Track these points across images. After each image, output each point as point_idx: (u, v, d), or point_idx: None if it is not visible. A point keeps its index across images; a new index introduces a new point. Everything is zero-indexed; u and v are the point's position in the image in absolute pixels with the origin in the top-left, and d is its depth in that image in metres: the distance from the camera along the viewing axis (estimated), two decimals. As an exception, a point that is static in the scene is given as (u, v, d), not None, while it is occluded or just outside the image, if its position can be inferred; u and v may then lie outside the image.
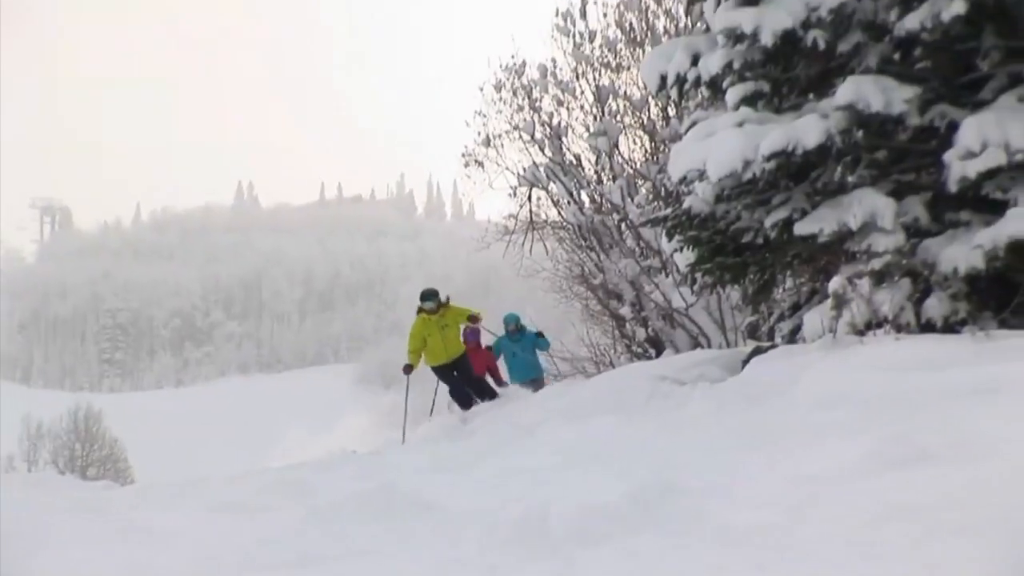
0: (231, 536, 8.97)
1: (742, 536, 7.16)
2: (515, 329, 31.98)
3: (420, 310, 27.03)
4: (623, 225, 33.86)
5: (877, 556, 6.24)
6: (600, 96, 34.70)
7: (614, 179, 33.96)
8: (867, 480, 7.80)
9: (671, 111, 31.56)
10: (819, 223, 18.62)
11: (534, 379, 32.05)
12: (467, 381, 27.42)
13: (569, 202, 34.97)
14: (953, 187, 17.96)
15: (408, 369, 27.47)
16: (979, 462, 7.78)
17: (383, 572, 7.28)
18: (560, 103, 35.14)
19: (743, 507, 8.09)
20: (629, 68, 33.57)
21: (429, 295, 27.07)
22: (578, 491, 9.10)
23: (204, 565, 7.89)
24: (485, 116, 36.48)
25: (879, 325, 17.91)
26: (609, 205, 33.88)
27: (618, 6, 34.74)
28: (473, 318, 28.27)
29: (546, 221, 36.04)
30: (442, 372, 27.38)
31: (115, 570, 7.71)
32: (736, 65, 20.37)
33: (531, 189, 35.67)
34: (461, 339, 28.20)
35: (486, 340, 32.45)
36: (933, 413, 10.28)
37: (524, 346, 32.08)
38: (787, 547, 6.80)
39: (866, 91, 18.39)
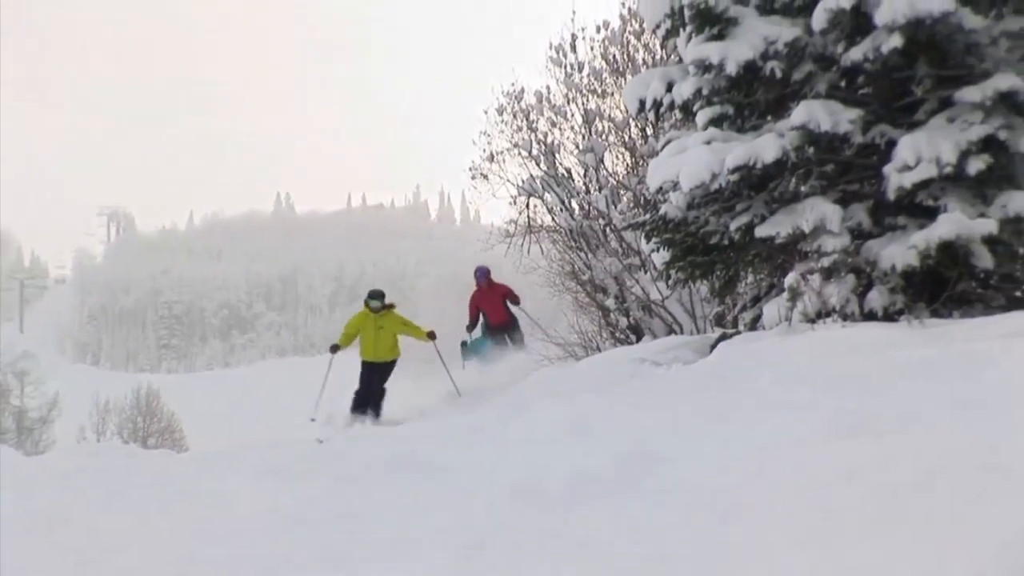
0: (277, 496, 9.05)
1: (710, 495, 7.18)
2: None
3: (366, 304, 26.37)
4: (608, 229, 33.99)
5: (825, 510, 6.26)
6: (588, 118, 34.81)
7: (600, 189, 34.15)
8: (819, 447, 7.86)
9: (649, 131, 31.65)
10: (776, 227, 18.78)
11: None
12: (377, 386, 26.06)
13: (561, 209, 35.20)
14: (891, 196, 18.25)
15: (334, 349, 26.84)
16: (916, 432, 7.83)
17: (407, 527, 7.27)
18: (553, 124, 35.36)
19: (712, 471, 8.12)
20: (613, 94, 33.86)
21: (376, 295, 26.52)
22: (570, 458, 9.10)
23: (257, 522, 7.91)
24: (489, 135, 36.78)
25: (828, 314, 18.01)
26: (596, 212, 34.11)
27: (603, 41, 35.09)
28: (430, 335, 26.93)
29: (541, 225, 36.21)
30: (365, 368, 26.32)
31: (180, 529, 7.69)
32: (705, 91, 20.43)
33: (529, 198, 35.92)
34: (394, 345, 26.79)
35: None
36: (877, 390, 10.33)
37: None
38: (748, 504, 6.82)
39: (816, 113, 18.52)
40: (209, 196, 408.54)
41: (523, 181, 35.99)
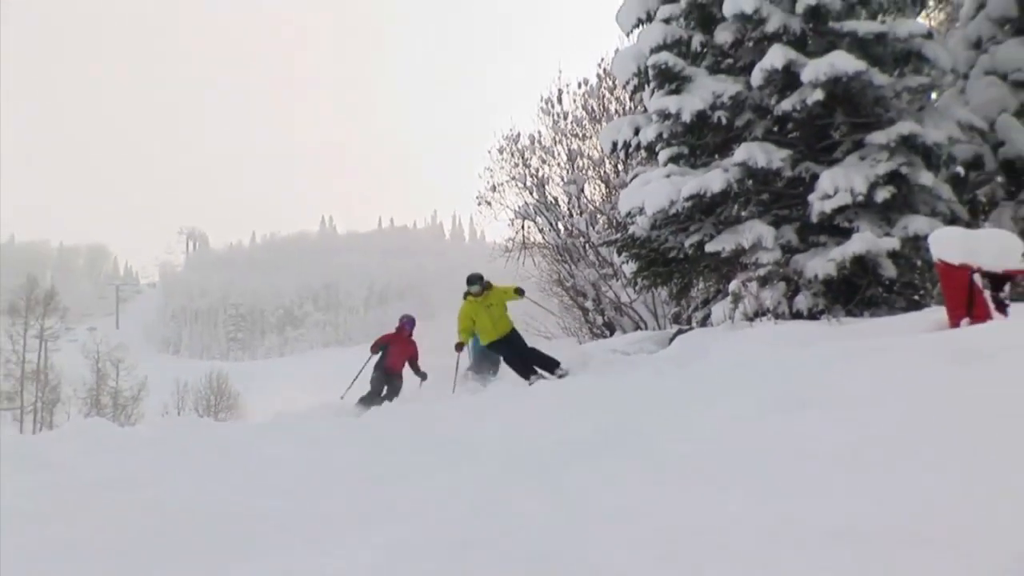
0: (322, 462, 9.03)
1: (676, 459, 7.20)
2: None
3: (467, 294, 20.88)
4: (587, 245, 34.39)
5: (765, 469, 6.32)
6: (571, 156, 35.32)
7: (581, 213, 34.65)
8: (761, 420, 7.93)
9: (620, 167, 31.90)
10: (722, 244, 18.97)
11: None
12: (519, 353, 20.49)
13: (550, 229, 35.78)
14: (815, 219, 18.49)
15: (459, 347, 21.46)
16: (838, 408, 7.91)
17: (433, 487, 7.26)
18: (543, 161, 36.07)
19: (676, 440, 8.12)
20: (591, 137, 34.45)
21: (475, 279, 20.77)
22: (560, 429, 9.28)
23: (304, 482, 7.90)
24: (491, 170, 37.52)
25: (763, 314, 18.14)
26: (577, 231, 34.63)
27: (583, 94, 35.85)
28: (519, 291, 21.25)
29: (534, 243, 36.72)
30: (497, 347, 20.76)
31: (241, 485, 7.69)
32: (665, 135, 20.57)
33: (523, 220, 36.51)
34: (508, 317, 21.19)
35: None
36: (805, 374, 10.41)
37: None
38: (705, 466, 6.85)
39: (754, 153, 18.74)
40: (267, 218, 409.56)
41: (519, 207, 36.57)
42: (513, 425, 10.55)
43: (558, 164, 35.54)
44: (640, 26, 21.75)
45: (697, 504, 5.91)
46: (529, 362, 19.95)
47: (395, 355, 24.28)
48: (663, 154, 21.09)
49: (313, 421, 14.47)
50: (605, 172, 33.98)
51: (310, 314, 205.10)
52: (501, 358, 21.20)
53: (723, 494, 5.95)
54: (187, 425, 15.18)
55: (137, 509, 6.74)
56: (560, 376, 18.79)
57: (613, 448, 8.03)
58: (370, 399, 22.75)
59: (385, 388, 23.65)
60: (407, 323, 24.98)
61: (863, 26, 19.21)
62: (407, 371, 24.71)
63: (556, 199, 35.35)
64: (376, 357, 24.63)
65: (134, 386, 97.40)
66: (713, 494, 6.08)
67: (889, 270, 18.05)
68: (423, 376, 23.93)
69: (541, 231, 35.97)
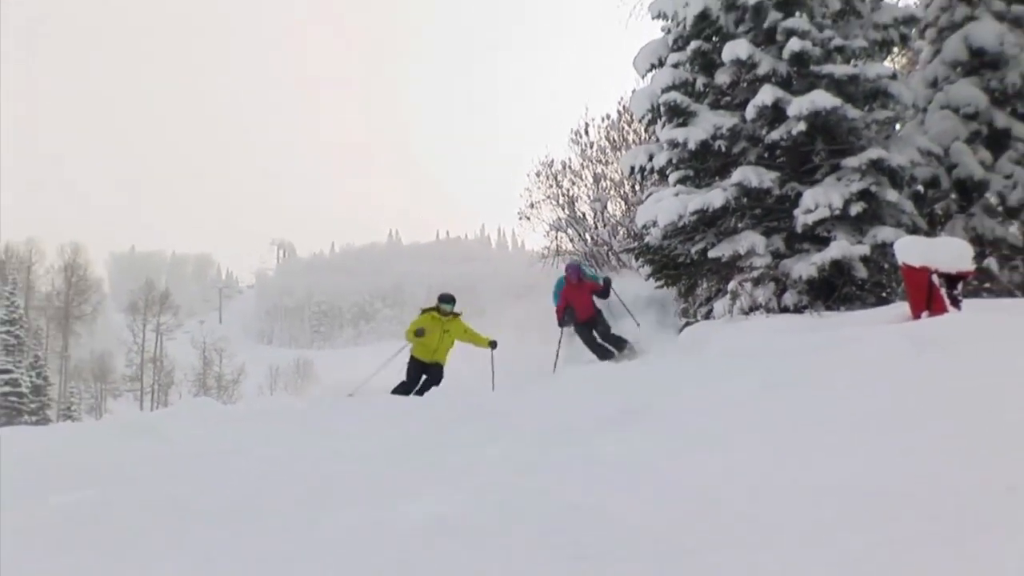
0: (386, 434, 9.02)
1: (690, 431, 7.27)
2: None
3: (435, 309, 18.46)
4: (610, 253, 34.34)
5: (765, 436, 6.41)
6: (596, 178, 35.33)
7: (604, 226, 34.64)
8: (758, 397, 8.05)
9: (637, 187, 31.89)
10: (722, 251, 19.08)
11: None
12: (429, 386, 17.59)
13: (579, 239, 35.77)
14: (799, 229, 18.63)
15: (420, 333, 17.89)
16: (823, 386, 8.07)
17: (479, 456, 7.23)
18: (573, 183, 36.15)
19: (689, 415, 8.20)
20: (612, 163, 34.50)
21: (449, 299, 18.74)
22: (590, 408, 9.27)
23: (371, 451, 7.90)
24: (530, 190, 37.60)
25: (757, 309, 18.23)
26: (602, 241, 34.61)
27: (606, 127, 35.89)
28: (492, 344, 18.81)
29: (565, 251, 36.74)
30: (417, 366, 18.11)
31: (319, 455, 7.73)
32: (674, 161, 20.64)
33: (557, 232, 36.55)
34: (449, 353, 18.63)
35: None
36: (793, 359, 10.53)
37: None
38: (715, 435, 6.94)
39: (749, 175, 18.87)
40: (344, 230, 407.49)
41: (553, 221, 36.66)
42: (549, 403, 10.60)
43: (585, 185, 35.69)
44: (653, 70, 21.84)
45: (702, 464, 6.01)
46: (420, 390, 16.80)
47: (581, 305, 20.18)
48: (672, 176, 21.24)
49: (383, 402, 14.53)
50: (625, 192, 34.02)
51: (380, 311, 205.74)
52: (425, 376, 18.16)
53: (726, 456, 6.07)
54: (277, 403, 15.46)
55: (235, 473, 6.87)
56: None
57: (637, 423, 8.10)
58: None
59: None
60: (571, 271, 20.38)
61: (839, 69, 19.31)
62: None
63: (584, 214, 35.43)
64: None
65: (234, 371, 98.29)
66: (717, 456, 6.18)
67: (861, 272, 18.21)
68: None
69: (571, 241, 36.03)
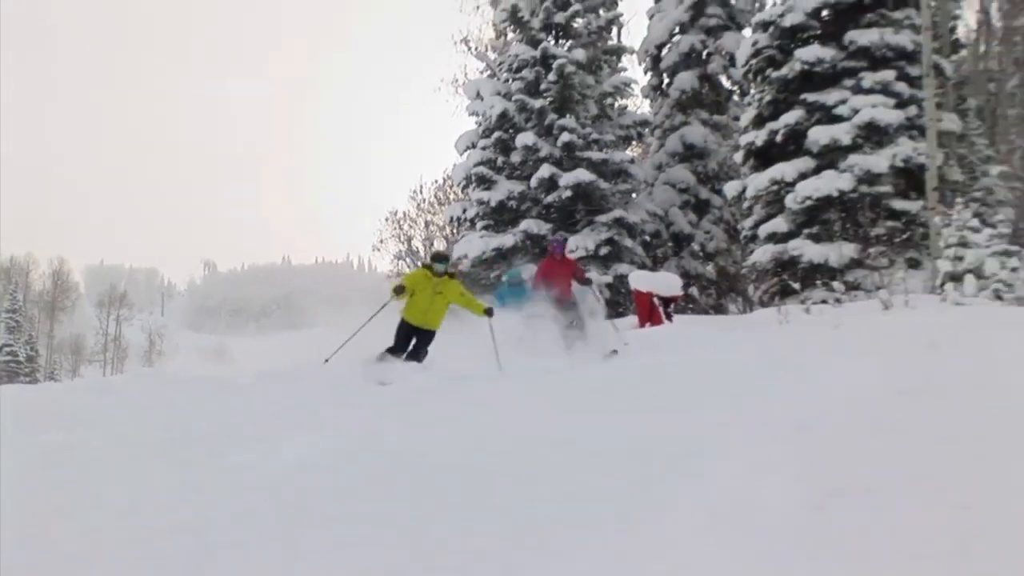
0: (283, 394, 8.20)
1: (475, 398, 7.33)
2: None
3: (428, 266, 11.57)
4: None
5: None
6: (427, 224, 34.64)
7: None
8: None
9: (455, 231, 31.51)
10: (511, 276, 19.40)
11: None
12: (418, 350, 11.30)
13: (413, 266, 34.65)
14: None
15: (399, 291, 11.14)
16: (578, 370, 8.37)
17: (345, 413, 6.88)
18: (411, 226, 34.87)
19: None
20: (439, 213, 33.07)
21: (443, 258, 11.86)
22: (420, 382, 8.70)
23: (267, 408, 7.39)
24: (381, 230, 36.86)
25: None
26: None
27: (435, 188, 34.92)
28: (488, 311, 11.34)
29: (404, 273, 35.36)
30: (406, 329, 11.37)
31: (225, 409, 7.43)
32: (481, 214, 21.07)
33: (398, 261, 35.40)
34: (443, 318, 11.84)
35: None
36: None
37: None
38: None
39: (531, 226, 19.38)
40: (253, 250, 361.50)
41: (396, 252, 35.25)
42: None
43: (419, 228, 34.91)
44: (468, 150, 22.04)
45: (482, 419, 6.19)
46: (418, 355, 11.03)
47: (559, 282, 13.76)
48: (479, 224, 21.38)
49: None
50: (446, 234, 33.46)
51: (274, 312, 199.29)
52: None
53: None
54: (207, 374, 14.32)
55: (163, 422, 6.61)
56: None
57: (450, 391, 7.95)
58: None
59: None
60: (557, 245, 13.87)
61: (595, 154, 20.07)
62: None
63: (417, 249, 34.73)
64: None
65: (172, 349, 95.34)
66: (494, 415, 6.42)
67: (606, 294, 18.36)
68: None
69: (408, 267, 35.20)
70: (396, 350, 10.63)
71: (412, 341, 10.79)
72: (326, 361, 10.42)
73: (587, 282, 13.27)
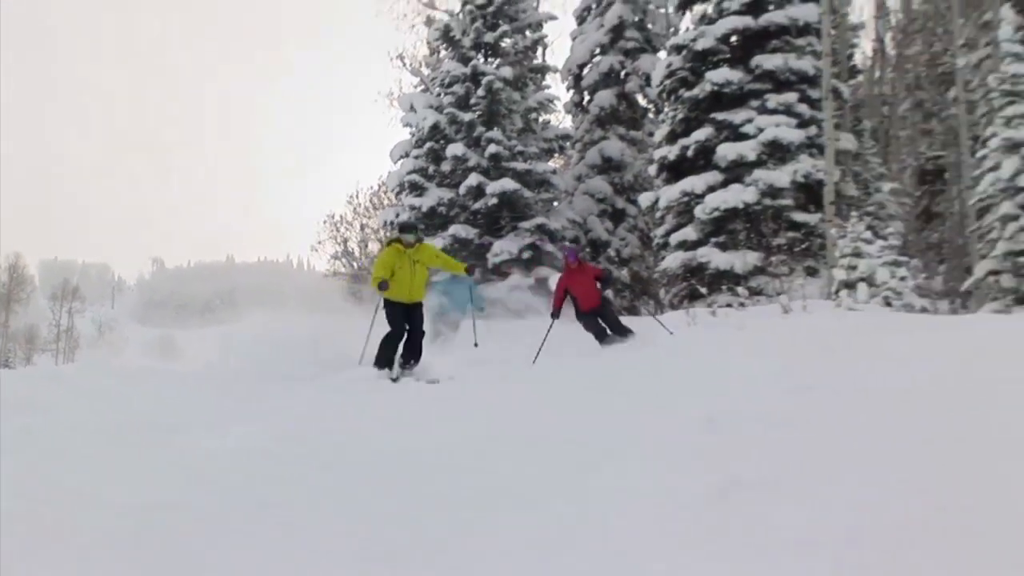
0: (228, 385, 8.18)
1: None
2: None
3: (395, 240, 10.49)
4: (368, 274, 33.53)
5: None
6: (362, 227, 34.29)
7: (365, 259, 33.56)
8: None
9: (388, 234, 31.16)
10: (440, 276, 19.30)
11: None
12: (416, 328, 10.24)
13: (349, 265, 34.70)
14: (491, 266, 18.76)
15: (384, 284, 9.78)
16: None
17: (284, 403, 6.85)
18: (347, 229, 34.71)
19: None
20: (373, 217, 32.96)
21: (411, 227, 10.65)
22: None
23: (213, 397, 7.38)
24: (319, 232, 36.68)
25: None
26: (364, 268, 33.58)
27: (370, 194, 34.68)
28: (468, 270, 11.01)
29: (341, 272, 35.28)
30: (398, 310, 10.16)
31: (175, 398, 7.32)
32: (413, 219, 20.43)
33: (335, 260, 35.27)
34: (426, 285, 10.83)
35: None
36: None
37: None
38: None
39: (459, 230, 19.41)
40: (198, 248, 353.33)
41: (333, 253, 35.02)
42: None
43: (354, 231, 34.70)
44: (402, 159, 21.87)
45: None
46: (414, 341, 9.98)
47: (585, 293, 11.82)
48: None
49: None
50: (380, 237, 33.36)
51: (218, 307, 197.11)
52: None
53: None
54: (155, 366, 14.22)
55: (112, 408, 6.63)
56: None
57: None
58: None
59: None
60: (570, 255, 12.09)
61: (520, 165, 19.94)
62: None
63: (352, 250, 34.54)
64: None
65: (121, 341, 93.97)
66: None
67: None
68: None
69: (344, 267, 35.10)
70: (394, 337, 9.51)
71: (404, 321, 9.63)
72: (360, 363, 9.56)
73: (609, 280, 12.12)
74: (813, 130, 16.77)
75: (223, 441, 5.13)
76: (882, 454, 3.66)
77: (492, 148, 20.07)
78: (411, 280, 9.61)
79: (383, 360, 9.40)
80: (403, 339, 9.63)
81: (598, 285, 11.60)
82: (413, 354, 9.69)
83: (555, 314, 11.49)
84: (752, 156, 16.55)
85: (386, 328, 9.75)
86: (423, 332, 9.80)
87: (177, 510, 3.66)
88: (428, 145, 21.05)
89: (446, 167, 20.77)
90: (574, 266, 11.66)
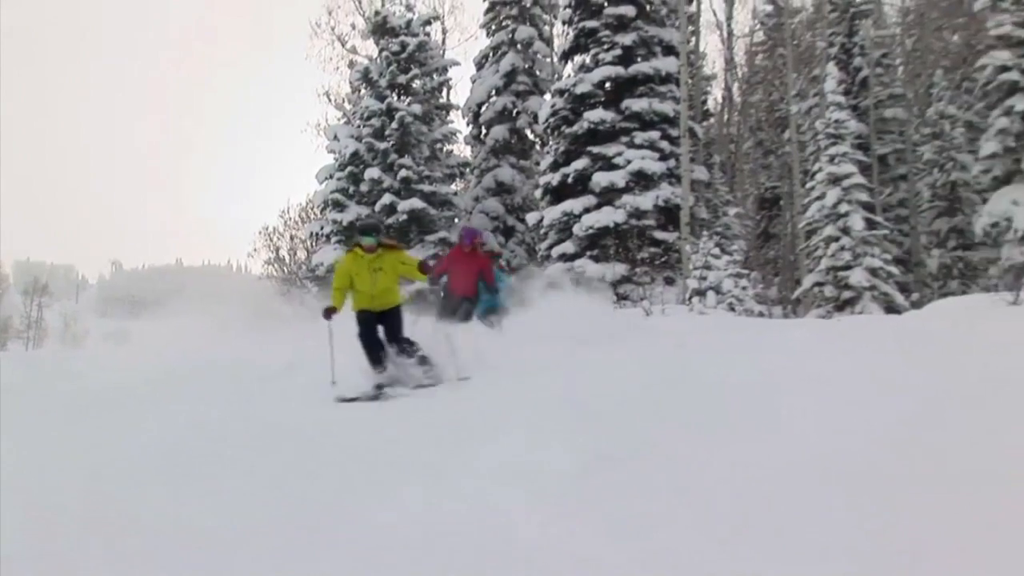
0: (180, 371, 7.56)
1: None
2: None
3: (356, 245, 7.03)
4: (296, 278, 32.22)
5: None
6: (292, 237, 32.16)
7: (295, 265, 32.64)
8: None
9: (313, 244, 30.36)
10: None
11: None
12: (392, 338, 6.93)
13: (280, 270, 33.49)
14: None
15: (329, 313, 6.87)
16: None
17: (230, 389, 6.56)
18: (279, 238, 32.68)
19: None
20: (302, 229, 30.92)
21: (371, 229, 7.05)
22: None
23: (165, 379, 7.01)
24: (255, 241, 34.14)
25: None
26: (293, 272, 32.53)
27: (299, 210, 32.40)
28: (423, 268, 7.06)
29: (274, 276, 33.67)
30: (362, 319, 6.89)
31: (137, 383, 6.96)
32: (335, 231, 20.60)
33: (268, 265, 33.94)
34: (398, 289, 7.21)
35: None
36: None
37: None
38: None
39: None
40: (152, 252, 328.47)
41: (266, 259, 33.32)
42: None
43: (285, 240, 33.72)
44: (326, 180, 21.70)
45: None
46: (397, 351, 6.98)
47: (462, 278, 9.19)
48: (333, 239, 21.02)
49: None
50: (308, 246, 32.54)
51: (168, 303, 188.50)
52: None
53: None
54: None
55: (73, 389, 6.64)
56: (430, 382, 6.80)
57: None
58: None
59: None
60: (465, 237, 9.34)
61: (427, 187, 20.17)
62: None
63: (284, 256, 33.46)
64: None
65: (82, 331, 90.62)
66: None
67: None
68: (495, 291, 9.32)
69: (276, 272, 33.93)
70: (368, 340, 6.92)
71: (380, 329, 7.00)
72: (333, 383, 6.44)
73: (495, 290, 9.26)
74: (672, 163, 17.51)
75: (174, 420, 5.07)
76: (723, 435, 3.97)
77: (403, 172, 20.28)
78: (371, 289, 6.95)
79: (374, 361, 6.91)
80: (375, 340, 7.01)
81: (479, 283, 9.22)
82: (399, 344, 7.01)
83: (433, 282, 9.10)
84: (622, 183, 17.21)
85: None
86: (407, 341, 7.03)
87: (125, 479, 3.76)
88: (349, 169, 21.14)
89: (364, 188, 20.80)
90: (467, 250, 9.26)
